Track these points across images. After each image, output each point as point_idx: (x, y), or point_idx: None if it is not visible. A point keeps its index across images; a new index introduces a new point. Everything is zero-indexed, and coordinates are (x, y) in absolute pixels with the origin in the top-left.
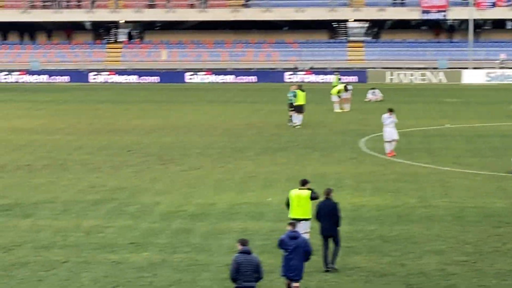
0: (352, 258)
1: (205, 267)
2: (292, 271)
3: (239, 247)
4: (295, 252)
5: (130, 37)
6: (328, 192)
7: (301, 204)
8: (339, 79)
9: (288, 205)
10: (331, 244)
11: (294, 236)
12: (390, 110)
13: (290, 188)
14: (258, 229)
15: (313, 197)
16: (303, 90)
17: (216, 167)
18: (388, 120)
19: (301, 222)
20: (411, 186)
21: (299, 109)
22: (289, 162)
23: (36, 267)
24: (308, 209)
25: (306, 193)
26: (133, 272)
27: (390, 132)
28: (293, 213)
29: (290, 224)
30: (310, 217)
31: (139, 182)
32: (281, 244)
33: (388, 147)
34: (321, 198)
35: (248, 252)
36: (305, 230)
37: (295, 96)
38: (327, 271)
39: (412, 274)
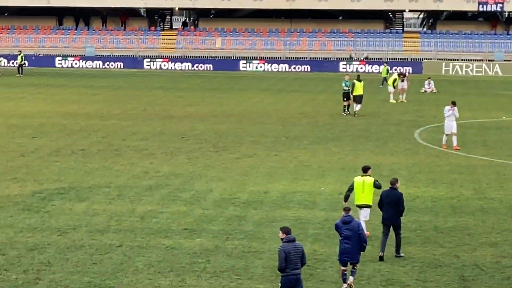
0: (406, 249)
1: (258, 254)
2: (348, 255)
3: (282, 236)
4: (349, 237)
5: (184, 24)
6: (393, 182)
7: (365, 190)
8: (388, 69)
9: (350, 190)
10: (391, 233)
11: (348, 221)
12: (453, 103)
13: (344, 177)
14: (311, 218)
15: (376, 185)
16: (360, 80)
17: (270, 155)
18: (449, 112)
19: (363, 208)
20: (466, 178)
21: (358, 99)
22: (343, 152)
23: (91, 250)
24: (370, 196)
25: (370, 180)
26: (186, 258)
27: (448, 125)
28: (357, 200)
29: (345, 209)
30: (371, 204)
31: (193, 168)
32: (336, 228)
33: (454, 140)
34: (386, 188)
35: (293, 240)
36: (365, 217)
37: (348, 86)
38: (381, 258)
39: (467, 266)
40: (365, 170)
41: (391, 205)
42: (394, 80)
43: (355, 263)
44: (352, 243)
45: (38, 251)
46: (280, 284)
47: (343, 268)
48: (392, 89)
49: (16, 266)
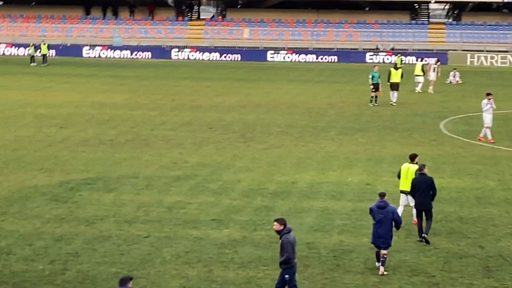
0: (431, 239)
1: None
2: (380, 239)
3: (280, 228)
4: (382, 221)
5: (212, 14)
6: (421, 168)
7: (409, 177)
8: (402, 60)
9: (399, 177)
10: (423, 217)
11: (383, 206)
12: (488, 95)
13: (370, 168)
14: (338, 208)
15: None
16: (397, 68)
17: (297, 146)
18: (487, 106)
19: (404, 194)
20: (491, 169)
21: (394, 87)
22: (369, 143)
23: (118, 241)
24: None
25: (414, 168)
26: (214, 248)
27: (487, 117)
28: (402, 186)
29: (380, 194)
30: None
31: (221, 159)
32: (370, 212)
33: (488, 133)
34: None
35: (291, 230)
36: (404, 202)
37: (373, 77)
38: (421, 241)
39: (491, 256)
40: (412, 158)
41: (424, 190)
42: (422, 69)
43: (386, 247)
44: (385, 227)
45: (65, 242)
46: (287, 276)
47: (376, 249)
48: (421, 79)
49: (43, 256)
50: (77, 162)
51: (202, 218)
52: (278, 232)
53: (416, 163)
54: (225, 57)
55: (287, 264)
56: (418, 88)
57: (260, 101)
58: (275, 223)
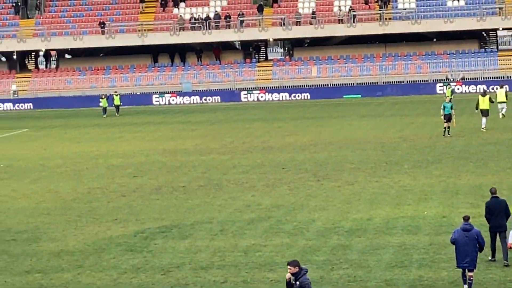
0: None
1: (363, 283)
2: (466, 261)
3: (295, 270)
4: (468, 244)
5: (279, 54)
6: (494, 191)
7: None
8: (452, 90)
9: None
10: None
11: (468, 229)
12: None
13: (446, 200)
14: (415, 243)
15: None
16: (484, 95)
17: (371, 182)
18: None
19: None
20: None
21: (484, 113)
22: (444, 174)
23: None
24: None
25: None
26: None
27: None
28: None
29: (464, 218)
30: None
31: (294, 199)
32: (454, 235)
33: None
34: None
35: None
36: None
37: (445, 108)
38: (493, 260)
39: None
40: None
41: (499, 212)
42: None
43: (473, 268)
44: (470, 249)
45: None
46: None
47: (462, 271)
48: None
49: None
50: (151, 210)
51: (278, 260)
52: (294, 275)
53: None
54: (294, 96)
55: None
56: (503, 112)
57: (331, 138)
58: (290, 267)
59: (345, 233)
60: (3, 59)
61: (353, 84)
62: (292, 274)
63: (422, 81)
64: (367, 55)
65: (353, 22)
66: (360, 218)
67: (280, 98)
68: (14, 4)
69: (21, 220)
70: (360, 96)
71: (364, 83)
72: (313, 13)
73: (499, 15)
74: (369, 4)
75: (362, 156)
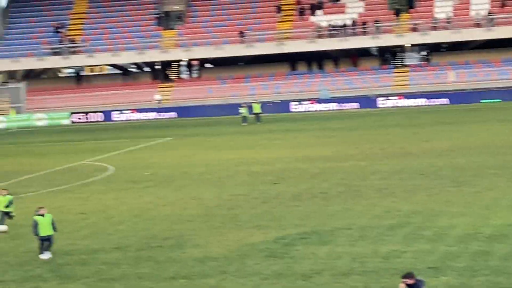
0: None
1: None
2: None
3: (411, 282)
4: None
5: (416, 60)
6: None
7: None
8: None
9: None
10: None
11: None
12: None
13: None
14: None
15: None
16: None
17: None
18: None
19: None
20: None
21: None
22: None
23: None
24: None
25: None
26: None
27: None
28: None
29: None
30: None
31: (433, 205)
32: None
33: None
34: None
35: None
36: None
37: None
38: None
39: None
40: None
41: None
42: None
43: None
44: None
45: None
46: None
47: None
48: None
49: None
50: (292, 216)
51: (418, 266)
52: (411, 286)
53: None
54: (432, 101)
55: None
56: None
57: (470, 144)
58: (404, 279)
59: (486, 239)
60: (147, 69)
61: (492, 88)
62: (410, 286)
63: None
64: (505, 58)
65: (491, 25)
66: (501, 224)
67: (418, 104)
68: (157, 16)
69: (166, 227)
70: (500, 100)
71: (503, 87)
72: (449, 18)
73: None
74: (507, 7)
75: (502, 161)
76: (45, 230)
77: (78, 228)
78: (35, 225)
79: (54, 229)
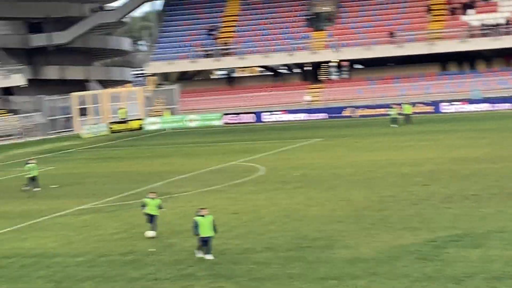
0: None
1: None
2: None
3: None
4: None
5: None
6: None
7: None
8: None
9: None
10: None
11: None
12: None
13: None
14: None
15: None
16: None
17: None
18: None
19: None
20: None
21: None
22: None
23: None
24: None
25: None
26: None
27: None
28: None
29: None
30: None
31: None
32: None
33: None
34: None
35: None
36: None
37: None
38: None
39: None
40: None
41: None
42: None
43: None
44: None
45: None
46: None
47: None
48: None
49: None
50: (442, 218)
51: None
52: None
53: None
54: None
55: None
56: None
57: None
58: None
59: None
60: (296, 70)
61: None
62: None
63: None
64: None
65: None
66: None
67: None
68: (307, 17)
69: (315, 227)
70: None
71: None
72: None
73: None
74: None
75: None
76: (205, 231)
77: (230, 228)
78: (196, 225)
79: (215, 230)
